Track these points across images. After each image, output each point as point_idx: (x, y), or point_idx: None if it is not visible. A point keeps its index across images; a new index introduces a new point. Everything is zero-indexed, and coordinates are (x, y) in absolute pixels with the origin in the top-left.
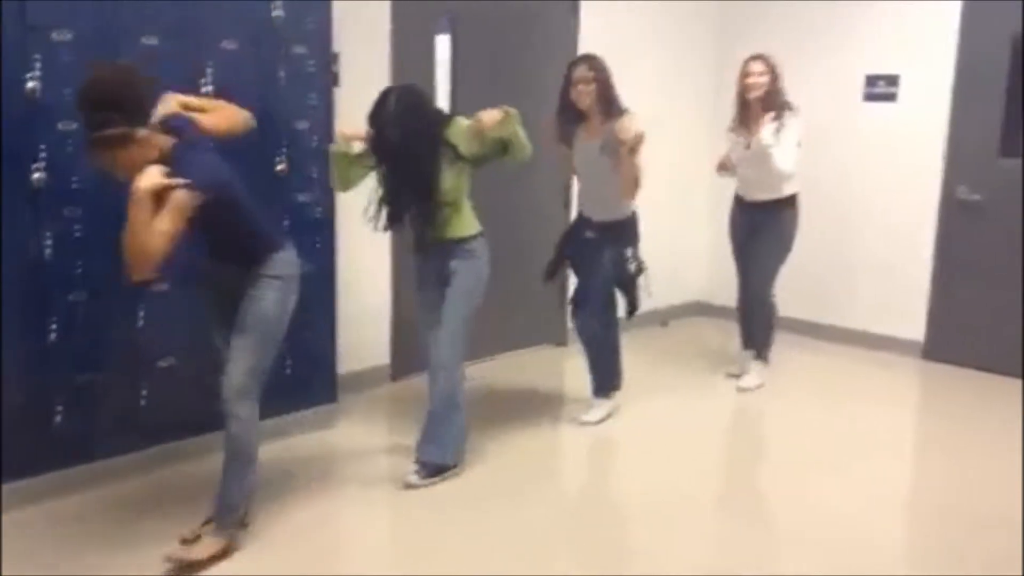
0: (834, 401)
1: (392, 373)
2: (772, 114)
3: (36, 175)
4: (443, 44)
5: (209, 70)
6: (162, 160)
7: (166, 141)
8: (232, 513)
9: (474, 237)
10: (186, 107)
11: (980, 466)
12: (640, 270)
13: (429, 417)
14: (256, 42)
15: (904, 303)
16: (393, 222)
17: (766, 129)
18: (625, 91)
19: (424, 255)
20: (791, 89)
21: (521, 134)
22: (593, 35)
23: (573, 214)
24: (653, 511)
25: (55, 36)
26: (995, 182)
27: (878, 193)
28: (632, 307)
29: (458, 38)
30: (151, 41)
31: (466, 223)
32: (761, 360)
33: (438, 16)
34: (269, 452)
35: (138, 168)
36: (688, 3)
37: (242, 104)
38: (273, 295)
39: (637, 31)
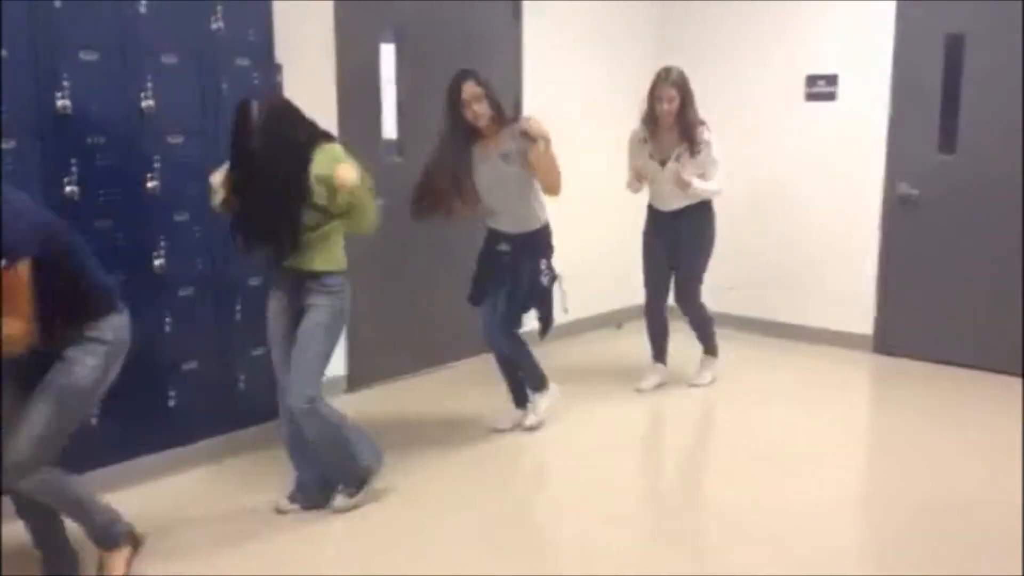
0: (788, 398)
1: (348, 384)
2: (693, 143)
3: None
4: (388, 52)
5: (149, 84)
6: None
7: None
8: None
9: (338, 274)
10: None
11: (938, 456)
12: (553, 281)
13: (318, 461)
14: (197, 55)
15: (852, 298)
16: (252, 244)
17: (689, 166)
18: (569, 90)
19: (277, 284)
20: (736, 88)
21: (369, 207)
22: (535, 37)
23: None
24: (612, 513)
25: None
26: (934, 177)
27: (822, 190)
28: (546, 323)
29: (403, 46)
30: (90, 56)
31: (332, 257)
32: (711, 355)
33: (382, 25)
34: (214, 471)
35: None
36: (629, 4)
37: (185, 117)
38: (94, 362)
39: (579, 32)
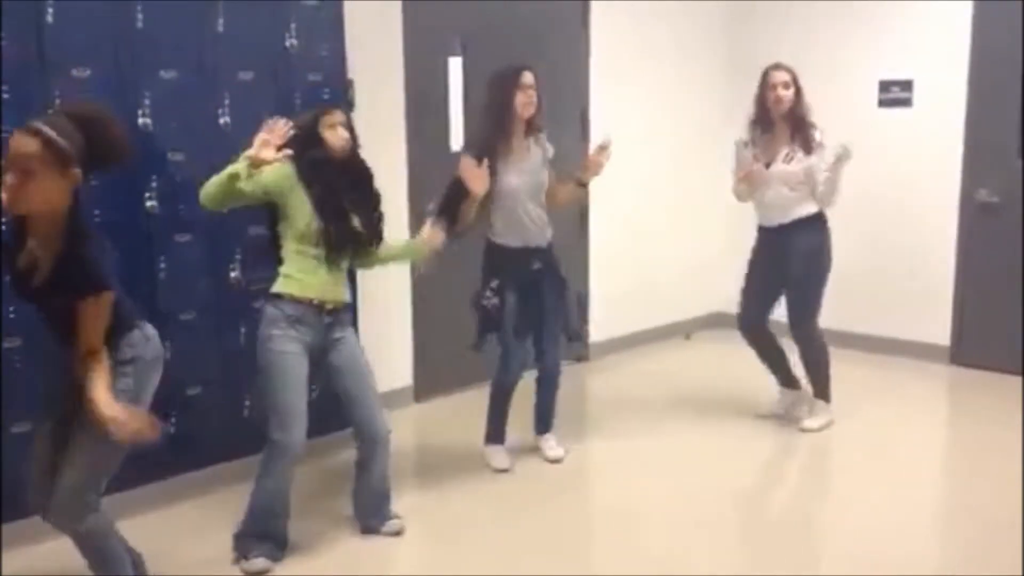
0: (862, 409)
1: (415, 396)
2: (806, 141)
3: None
4: (456, 66)
5: (227, 101)
6: (59, 215)
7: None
8: None
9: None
10: None
11: (1017, 472)
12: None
13: (376, 489)
14: (272, 72)
15: (929, 308)
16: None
17: (811, 161)
18: (637, 96)
19: (300, 321)
20: (806, 95)
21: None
22: (603, 43)
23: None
24: (683, 525)
25: (75, 73)
26: (1014, 184)
27: (897, 199)
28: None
29: (470, 58)
30: (170, 75)
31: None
32: (820, 399)
33: (450, 38)
34: (218, 499)
35: (39, 205)
36: (697, 11)
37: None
38: (120, 386)
39: (647, 38)
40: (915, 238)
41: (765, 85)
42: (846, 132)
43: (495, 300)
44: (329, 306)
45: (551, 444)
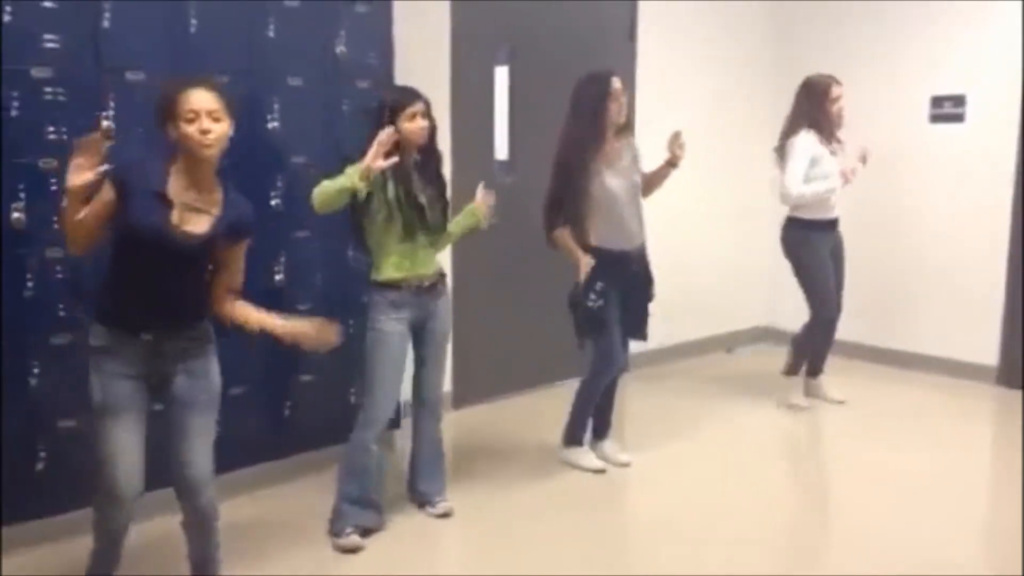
0: (905, 431)
1: (453, 402)
2: (840, 142)
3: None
4: (502, 75)
5: (276, 106)
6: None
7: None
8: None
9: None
10: None
11: None
12: None
13: (432, 457)
14: (321, 78)
15: (976, 327)
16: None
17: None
18: (683, 110)
19: (398, 305)
20: (856, 110)
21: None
22: (649, 58)
23: None
24: (726, 541)
25: (129, 76)
26: None
27: (948, 215)
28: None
29: (516, 67)
30: (221, 79)
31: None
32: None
33: (497, 47)
34: (252, 500)
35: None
36: (745, 22)
37: (308, 138)
38: (217, 367)
39: (695, 53)
40: (965, 254)
41: (827, 97)
42: (897, 147)
43: (600, 302)
44: (427, 282)
45: (617, 448)
